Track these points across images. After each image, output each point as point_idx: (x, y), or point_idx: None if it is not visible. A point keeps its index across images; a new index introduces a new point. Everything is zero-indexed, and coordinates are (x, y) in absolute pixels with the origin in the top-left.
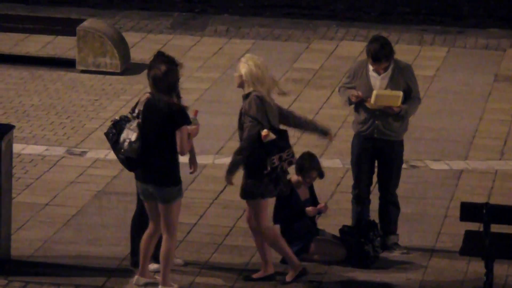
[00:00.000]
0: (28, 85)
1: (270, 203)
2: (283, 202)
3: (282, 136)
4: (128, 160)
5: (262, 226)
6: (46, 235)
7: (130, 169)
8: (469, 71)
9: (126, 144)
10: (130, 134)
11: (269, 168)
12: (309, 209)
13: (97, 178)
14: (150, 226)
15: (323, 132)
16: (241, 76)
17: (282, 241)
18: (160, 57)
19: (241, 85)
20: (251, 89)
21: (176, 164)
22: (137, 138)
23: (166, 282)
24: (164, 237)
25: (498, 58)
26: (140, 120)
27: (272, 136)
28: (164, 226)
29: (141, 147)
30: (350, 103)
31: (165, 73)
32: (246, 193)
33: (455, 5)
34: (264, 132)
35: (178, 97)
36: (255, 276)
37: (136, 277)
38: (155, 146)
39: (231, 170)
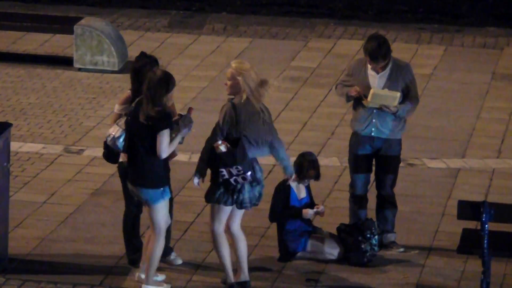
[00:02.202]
0: (26, 83)
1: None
2: (280, 201)
3: (232, 152)
4: (109, 154)
5: (212, 228)
6: (43, 233)
7: (111, 162)
8: (466, 69)
9: (109, 139)
10: (115, 130)
11: (220, 179)
12: (305, 211)
13: (94, 176)
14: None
15: (285, 170)
16: (237, 84)
17: (225, 251)
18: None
19: (235, 92)
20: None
21: (159, 166)
22: (121, 134)
23: (149, 281)
24: (152, 237)
25: (495, 56)
26: (129, 118)
27: (222, 149)
28: (151, 226)
29: (128, 145)
30: (348, 100)
31: (159, 79)
32: (205, 195)
33: (453, 4)
34: (216, 144)
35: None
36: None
37: (137, 274)
38: (139, 147)
39: (195, 172)
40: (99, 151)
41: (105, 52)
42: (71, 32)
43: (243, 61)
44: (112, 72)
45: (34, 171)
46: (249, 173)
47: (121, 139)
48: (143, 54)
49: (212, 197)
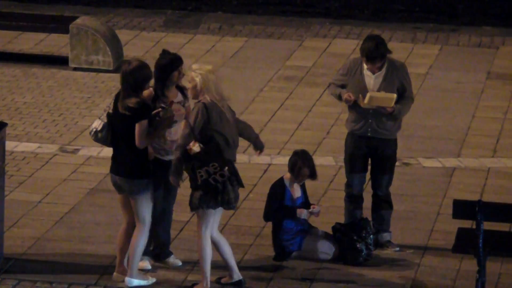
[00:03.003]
0: (21, 82)
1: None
2: (275, 201)
3: (206, 150)
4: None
5: (200, 233)
6: (38, 233)
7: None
8: (461, 69)
9: (92, 132)
10: (97, 123)
11: (199, 181)
12: (300, 211)
13: (89, 176)
14: (124, 221)
15: (256, 146)
16: (195, 86)
17: (208, 258)
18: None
19: (196, 94)
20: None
21: (143, 157)
22: (103, 127)
23: (133, 274)
24: (135, 228)
25: (491, 56)
26: (110, 110)
27: (195, 150)
28: (135, 218)
29: (111, 137)
30: (341, 99)
31: (132, 69)
32: (189, 205)
33: (449, 3)
34: (189, 146)
35: (163, 95)
36: (222, 280)
37: (114, 274)
38: (122, 138)
39: (172, 172)
40: (95, 151)
41: (100, 52)
42: (66, 31)
43: (204, 64)
44: (107, 71)
45: (30, 171)
46: (226, 168)
47: (104, 132)
48: (166, 52)
49: (194, 204)
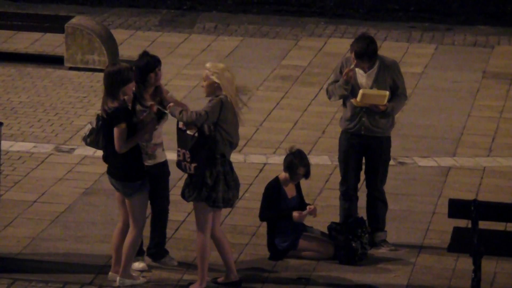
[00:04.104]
0: (16, 82)
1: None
2: (270, 200)
3: (194, 138)
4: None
5: (198, 232)
6: (34, 232)
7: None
8: (457, 68)
9: (82, 138)
10: (87, 128)
11: (176, 159)
12: (297, 216)
13: (85, 175)
14: (120, 220)
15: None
16: (212, 83)
17: (206, 257)
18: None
19: (211, 93)
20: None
21: (135, 159)
22: (90, 132)
23: (126, 274)
24: (129, 229)
25: (486, 55)
26: (99, 114)
27: (189, 132)
28: (130, 218)
29: (102, 140)
30: (342, 93)
31: (110, 72)
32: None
33: (444, 2)
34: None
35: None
36: (219, 280)
37: (109, 273)
38: (110, 142)
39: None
40: (90, 150)
41: (96, 51)
42: (61, 31)
43: (217, 63)
44: (103, 71)
45: (25, 170)
46: (193, 165)
47: (92, 136)
48: (144, 54)
49: (181, 193)
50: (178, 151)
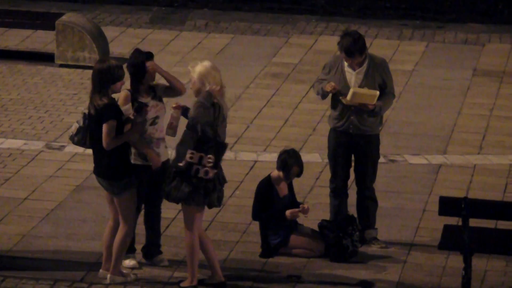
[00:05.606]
0: (7, 79)
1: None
2: (262, 199)
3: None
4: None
5: (186, 230)
6: (24, 230)
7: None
8: (448, 65)
9: (70, 137)
10: (74, 127)
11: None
12: (288, 213)
13: (75, 173)
14: (110, 218)
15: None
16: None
17: (195, 255)
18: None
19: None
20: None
21: (121, 158)
22: (78, 131)
23: (116, 271)
24: (119, 227)
25: (477, 52)
26: (86, 111)
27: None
28: (119, 216)
29: (90, 139)
30: (324, 96)
31: (99, 69)
32: (168, 196)
33: (435, 0)
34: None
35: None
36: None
37: (100, 271)
38: (97, 140)
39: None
40: (80, 148)
41: (87, 48)
42: (52, 28)
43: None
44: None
45: (15, 167)
46: (214, 171)
47: (79, 135)
48: (138, 51)
49: (179, 198)
50: (193, 152)
